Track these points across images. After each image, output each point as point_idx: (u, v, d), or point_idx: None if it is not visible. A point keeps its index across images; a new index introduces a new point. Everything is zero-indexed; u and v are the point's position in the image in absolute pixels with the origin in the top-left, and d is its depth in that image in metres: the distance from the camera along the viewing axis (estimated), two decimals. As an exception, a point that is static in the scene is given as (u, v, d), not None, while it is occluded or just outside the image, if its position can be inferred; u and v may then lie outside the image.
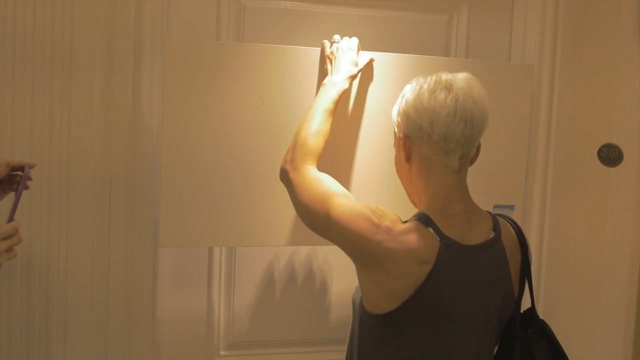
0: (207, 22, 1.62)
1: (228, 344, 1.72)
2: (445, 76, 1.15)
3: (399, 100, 1.20)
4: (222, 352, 1.72)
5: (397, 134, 1.19)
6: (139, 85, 1.52)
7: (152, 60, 1.53)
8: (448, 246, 1.10)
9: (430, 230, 1.11)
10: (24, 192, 1.14)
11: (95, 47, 1.48)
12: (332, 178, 1.25)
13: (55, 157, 1.48)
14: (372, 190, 1.54)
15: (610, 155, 1.65)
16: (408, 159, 1.18)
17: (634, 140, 1.57)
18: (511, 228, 1.24)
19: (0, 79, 1.44)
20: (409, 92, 1.17)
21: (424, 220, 1.13)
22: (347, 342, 1.27)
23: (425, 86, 1.14)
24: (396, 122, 1.20)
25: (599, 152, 1.67)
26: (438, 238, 1.11)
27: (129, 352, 1.58)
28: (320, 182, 1.23)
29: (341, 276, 1.72)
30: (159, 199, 1.50)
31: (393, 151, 1.26)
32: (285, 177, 1.30)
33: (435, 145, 1.12)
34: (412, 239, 1.09)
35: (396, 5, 1.71)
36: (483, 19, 1.78)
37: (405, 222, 1.14)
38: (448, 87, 1.12)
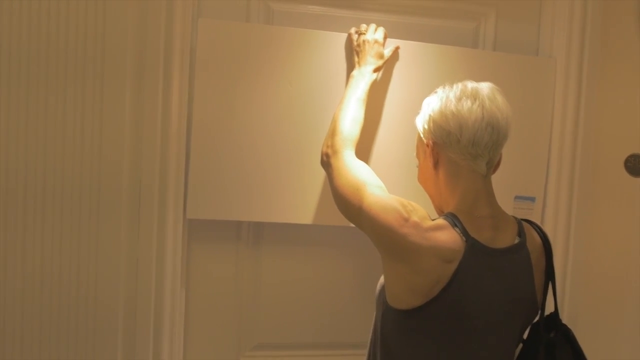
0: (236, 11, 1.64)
1: (254, 345, 1.73)
2: (470, 85, 1.19)
3: (423, 109, 1.23)
4: (247, 353, 1.73)
5: (425, 142, 1.22)
6: (170, 71, 1.54)
7: (182, 44, 1.55)
8: (474, 247, 1.12)
9: (457, 230, 1.13)
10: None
11: (127, 28, 1.52)
12: (368, 167, 1.30)
13: (87, 143, 1.52)
14: (396, 180, 1.56)
15: (636, 166, 1.64)
16: (436, 164, 1.20)
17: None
18: (536, 234, 1.25)
19: (32, 82, 1.48)
20: (435, 100, 1.20)
21: (451, 219, 1.15)
22: (370, 338, 1.28)
23: (452, 94, 1.17)
24: (422, 130, 1.23)
25: (626, 162, 1.66)
26: (464, 238, 1.12)
27: (157, 349, 1.60)
28: (357, 170, 1.27)
29: (368, 280, 1.72)
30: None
31: (411, 137, 1.30)
32: (325, 161, 1.35)
33: (464, 149, 1.15)
34: (439, 236, 1.11)
35: (424, 12, 1.72)
36: (510, 24, 1.79)
37: (434, 220, 1.16)
38: (474, 95, 1.16)
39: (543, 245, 1.25)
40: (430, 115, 1.19)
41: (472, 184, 1.18)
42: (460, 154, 1.16)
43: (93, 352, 1.55)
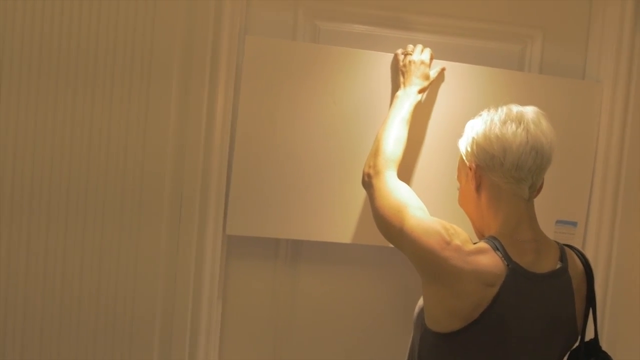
0: (283, 29, 1.67)
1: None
2: (515, 108, 1.19)
3: (467, 131, 1.24)
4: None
5: (467, 164, 1.22)
6: (215, 85, 1.57)
7: (228, 59, 1.58)
8: (515, 272, 1.12)
9: (499, 254, 1.13)
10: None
11: (175, 42, 1.54)
12: (410, 188, 1.31)
13: (130, 153, 1.55)
14: (437, 202, 1.55)
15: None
16: (478, 188, 1.21)
17: None
18: (578, 259, 1.25)
19: (79, 83, 1.52)
20: (479, 123, 1.21)
21: (493, 243, 1.15)
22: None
23: (497, 118, 1.18)
24: (465, 153, 1.23)
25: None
26: (506, 263, 1.12)
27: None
28: (399, 192, 1.28)
29: (406, 302, 1.72)
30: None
31: (454, 159, 1.30)
32: (367, 182, 1.36)
33: (507, 173, 1.15)
34: (480, 260, 1.12)
35: (470, 33, 1.73)
36: (557, 47, 1.78)
37: (475, 243, 1.16)
38: (519, 119, 1.16)
39: (585, 271, 1.24)
40: (474, 138, 1.20)
41: (515, 208, 1.18)
42: (503, 177, 1.16)
43: (129, 355, 1.58)
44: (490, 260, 1.12)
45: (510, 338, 1.13)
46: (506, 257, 1.13)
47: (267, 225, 1.59)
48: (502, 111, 1.19)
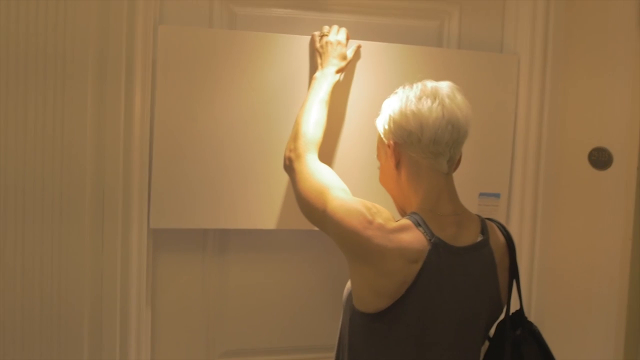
0: (199, 17, 1.64)
1: (222, 352, 1.73)
2: (430, 84, 1.20)
3: (384, 109, 1.24)
4: (216, 360, 1.74)
5: (386, 142, 1.22)
6: (132, 78, 1.53)
7: (144, 52, 1.54)
8: (437, 246, 1.13)
9: (421, 229, 1.14)
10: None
11: (89, 36, 1.50)
12: (331, 170, 1.30)
13: (48, 151, 1.50)
14: (359, 182, 1.56)
15: (600, 159, 1.66)
16: (397, 165, 1.21)
17: (624, 144, 1.58)
18: (499, 232, 1.27)
19: None
20: (395, 101, 1.21)
21: (415, 219, 1.15)
22: (336, 345, 1.29)
23: (412, 94, 1.18)
24: (383, 131, 1.23)
25: (590, 155, 1.69)
26: (428, 238, 1.13)
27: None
28: (320, 174, 1.27)
29: (334, 283, 1.73)
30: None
31: (374, 138, 1.29)
32: (288, 165, 1.35)
33: (425, 148, 1.16)
34: (403, 237, 1.12)
35: (387, 11, 1.73)
36: (474, 22, 1.80)
37: (397, 221, 1.17)
38: (434, 94, 1.17)
39: (507, 243, 1.26)
40: (390, 116, 1.20)
41: (435, 183, 1.19)
42: (421, 152, 1.17)
43: (58, 353, 1.54)
44: (412, 237, 1.13)
45: (436, 313, 1.14)
46: (428, 232, 1.14)
47: (192, 216, 1.56)
48: (417, 87, 1.20)
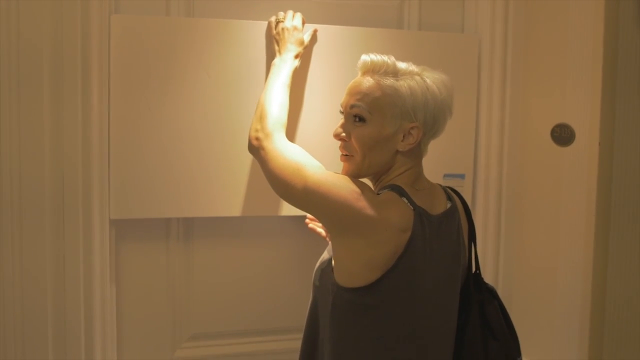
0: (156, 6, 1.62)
1: (188, 336, 1.74)
2: (438, 76, 1.21)
3: (407, 92, 1.18)
4: (183, 345, 1.73)
5: (411, 125, 1.18)
6: (88, 69, 1.52)
7: (100, 42, 1.52)
8: (421, 215, 1.15)
9: (404, 200, 1.15)
10: None
11: (43, 28, 1.48)
12: (302, 148, 1.26)
13: (4, 145, 1.49)
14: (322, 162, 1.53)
15: (562, 135, 1.67)
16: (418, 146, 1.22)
17: (585, 120, 1.59)
18: (456, 197, 1.31)
19: None
20: (422, 88, 1.18)
21: (397, 190, 1.17)
22: (305, 326, 1.28)
23: (436, 85, 1.19)
24: (412, 113, 1.18)
25: (552, 132, 1.70)
26: (412, 207, 1.15)
27: (89, 349, 1.59)
28: (293, 151, 1.24)
29: (298, 266, 1.74)
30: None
31: (336, 121, 1.25)
32: (256, 145, 1.30)
33: (435, 135, 1.23)
34: (391, 207, 1.13)
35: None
36: (434, 2, 1.80)
37: (379, 193, 1.18)
38: (445, 84, 1.20)
39: (463, 205, 1.30)
40: (426, 105, 1.17)
41: (418, 162, 1.23)
42: (430, 138, 1.22)
43: (23, 355, 1.53)
44: (399, 207, 1.14)
45: (424, 281, 1.16)
46: (411, 202, 1.15)
47: (153, 206, 1.56)
48: (434, 77, 1.20)
